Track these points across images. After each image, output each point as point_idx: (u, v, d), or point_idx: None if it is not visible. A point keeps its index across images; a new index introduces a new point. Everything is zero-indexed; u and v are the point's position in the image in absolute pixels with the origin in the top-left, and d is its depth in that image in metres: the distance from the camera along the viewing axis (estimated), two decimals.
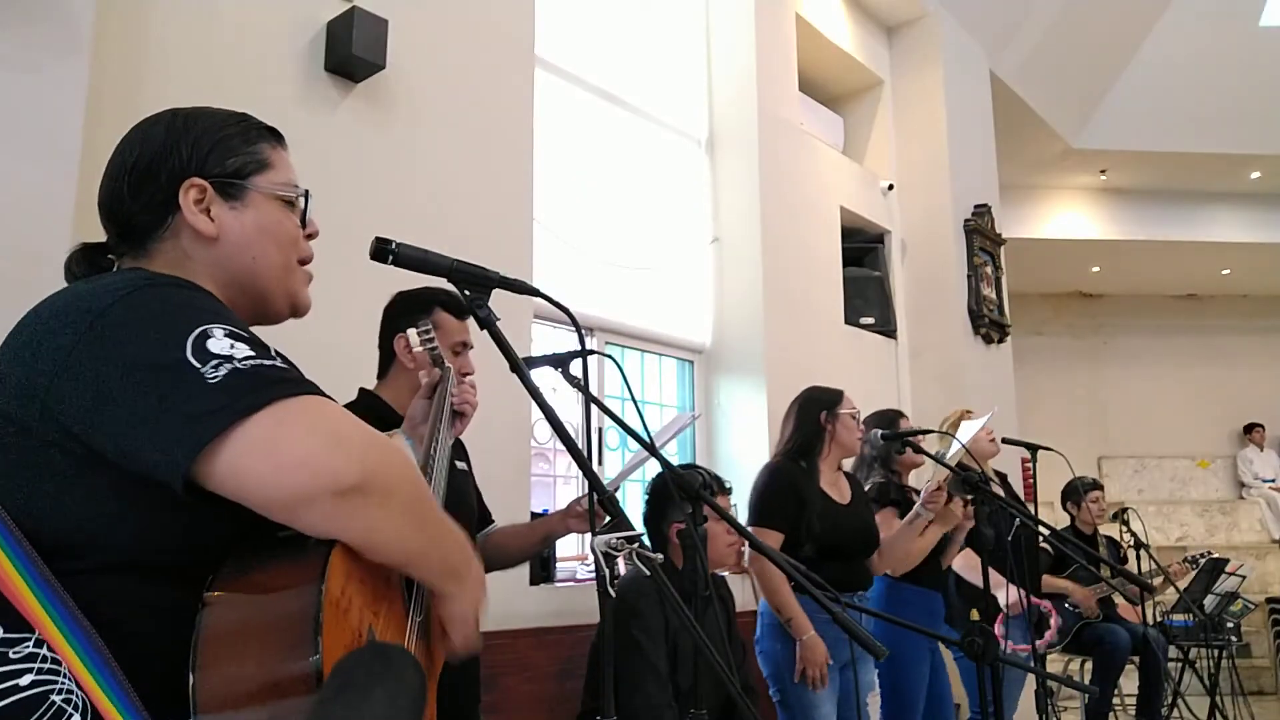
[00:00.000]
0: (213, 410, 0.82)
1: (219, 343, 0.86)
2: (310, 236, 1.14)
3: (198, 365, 0.84)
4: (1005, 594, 3.08)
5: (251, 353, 0.87)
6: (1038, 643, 3.18)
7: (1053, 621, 3.30)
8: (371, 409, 2.00)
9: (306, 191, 1.12)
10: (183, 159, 1.03)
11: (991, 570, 3.32)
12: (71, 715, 0.81)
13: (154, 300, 0.90)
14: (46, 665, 0.81)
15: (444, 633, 1.07)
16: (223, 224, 1.03)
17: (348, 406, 1.97)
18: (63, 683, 0.81)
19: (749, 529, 2.81)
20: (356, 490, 0.84)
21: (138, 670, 0.82)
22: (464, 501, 2.12)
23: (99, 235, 1.09)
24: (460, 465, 2.17)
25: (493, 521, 2.35)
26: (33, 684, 0.81)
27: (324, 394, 0.90)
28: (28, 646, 0.82)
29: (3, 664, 0.81)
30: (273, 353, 0.90)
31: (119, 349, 0.85)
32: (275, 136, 1.13)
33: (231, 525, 0.88)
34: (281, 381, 0.86)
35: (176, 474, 0.82)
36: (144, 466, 0.84)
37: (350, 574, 0.89)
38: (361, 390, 2.09)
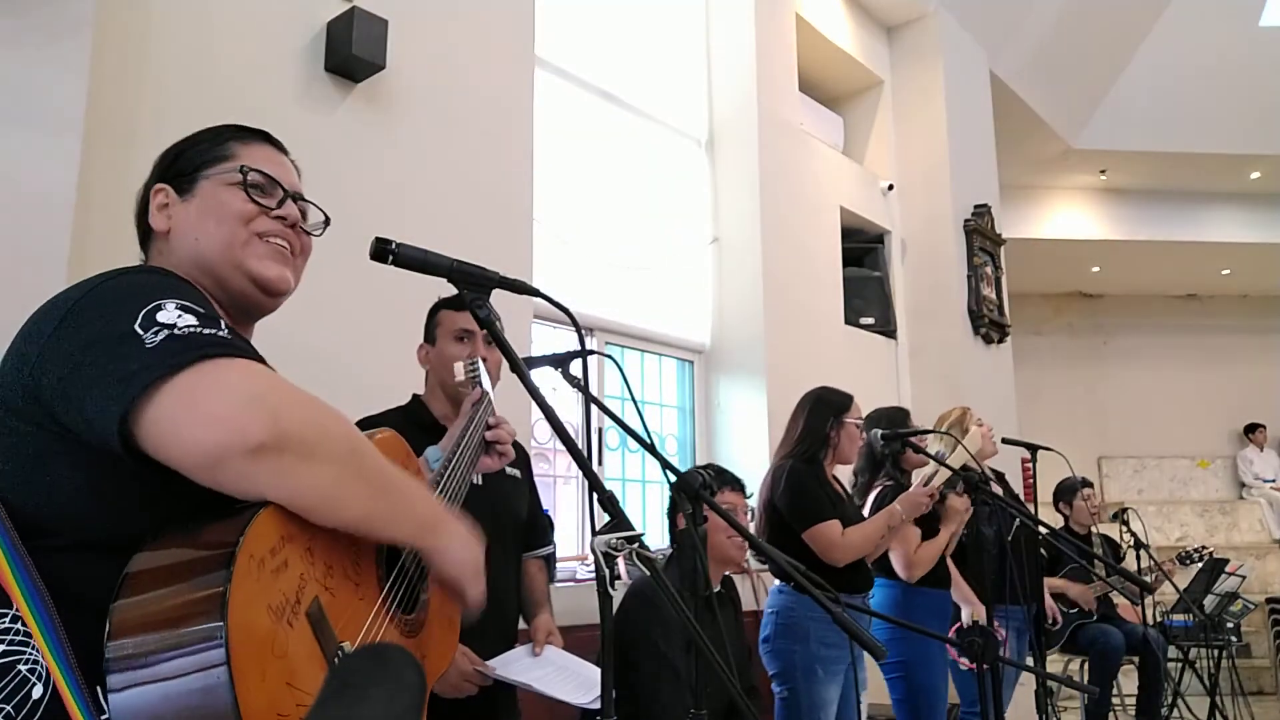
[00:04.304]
0: (141, 369, 0.84)
1: (167, 314, 0.90)
2: (281, 219, 1.15)
3: (141, 333, 0.87)
4: (967, 611, 3.08)
5: (195, 321, 0.90)
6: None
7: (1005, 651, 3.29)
8: (413, 413, 2.07)
9: (243, 168, 1.13)
10: (157, 172, 1.15)
11: (958, 585, 3.32)
12: (34, 685, 0.83)
13: (120, 285, 0.95)
14: (18, 638, 0.84)
15: (454, 596, 1.08)
16: (175, 218, 1.12)
17: (396, 409, 2.04)
18: (30, 654, 0.84)
19: (805, 533, 2.83)
20: (270, 448, 0.84)
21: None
22: (507, 506, 2.10)
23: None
24: (512, 471, 2.16)
25: (552, 545, 2.31)
26: (3, 654, 0.84)
27: (261, 360, 0.93)
28: (5, 621, 0.85)
29: None
30: (223, 325, 0.93)
31: (83, 329, 0.90)
32: (250, 134, 1.17)
33: (193, 502, 0.89)
34: (213, 344, 0.88)
35: (111, 431, 0.84)
36: (93, 432, 0.87)
37: (290, 538, 0.89)
38: (413, 395, 2.14)
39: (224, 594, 0.79)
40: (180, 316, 0.90)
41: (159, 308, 0.90)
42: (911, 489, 3.02)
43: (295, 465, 0.87)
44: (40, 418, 0.90)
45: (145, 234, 1.15)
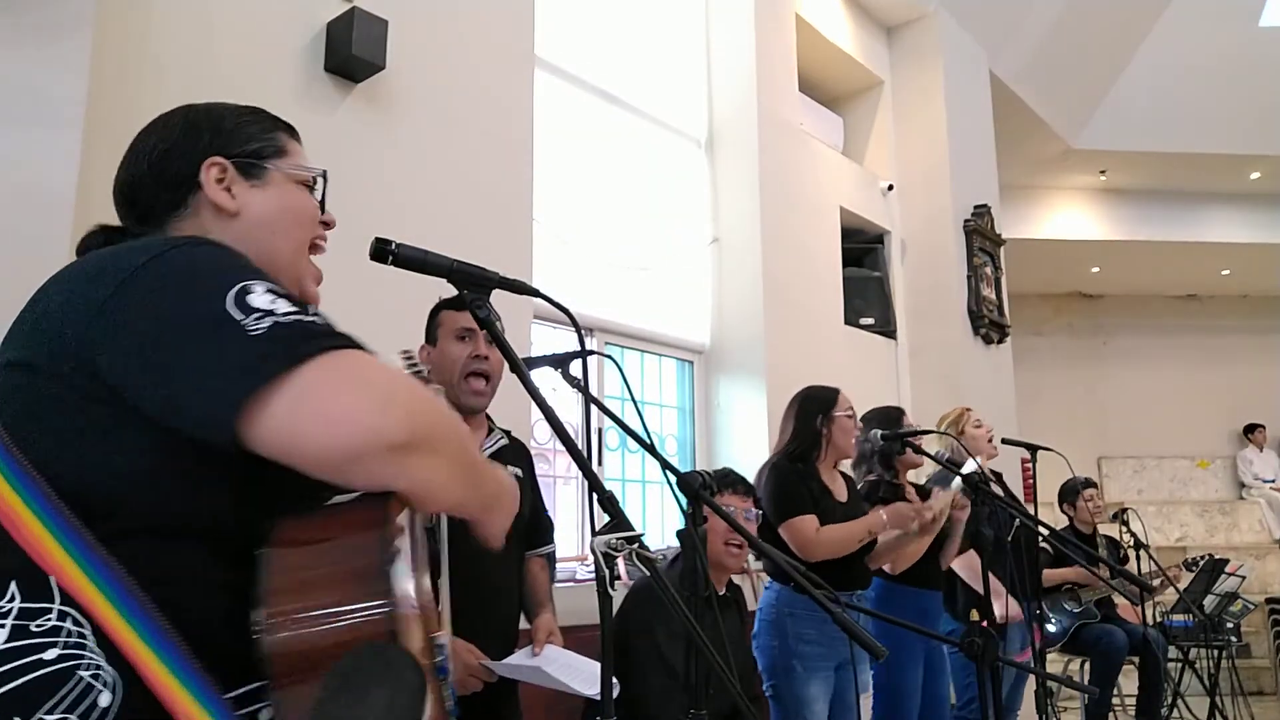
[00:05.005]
0: (258, 360, 0.79)
1: (260, 298, 0.84)
2: (326, 225, 1.14)
3: (240, 317, 0.81)
4: (1003, 605, 3.07)
5: (294, 308, 0.85)
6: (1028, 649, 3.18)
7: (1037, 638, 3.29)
8: None
9: (325, 173, 1.12)
10: (204, 141, 1.05)
11: (992, 579, 3.33)
12: (100, 692, 0.77)
13: (191, 257, 0.88)
14: (73, 640, 0.78)
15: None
16: (244, 201, 1.04)
17: None
18: (91, 658, 0.78)
19: (780, 526, 2.84)
20: (407, 445, 0.82)
21: None
22: None
23: (100, 217, 1.10)
24: (514, 470, 2.16)
25: (552, 544, 2.32)
26: (59, 658, 0.77)
27: (369, 350, 0.89)
28: (50, 619, 0.78)
29: (24, 637, 0.78)
30: (313, 312, 0.88)
31: (158, 302, 0.84)
32: (290, 129, 1.14)
33: (264, 489, 0.86)
34: (327, 334, 0.84)
35: (224, 427, 0.78)
36: (187, 421, 0.81)
37: (401, 528, 0.89)
38: None
39: (390, 588, 0.79)
40: (275, 302, 0.84)
41: (248, 290, 0.84)
42: (906, 504, 3.01)
43: (422, 459, 0.85)
44: (93, 390, 0.83)
45: (173, 199, 1.03)
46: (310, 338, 0.82)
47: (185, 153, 1.04)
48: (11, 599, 0.79)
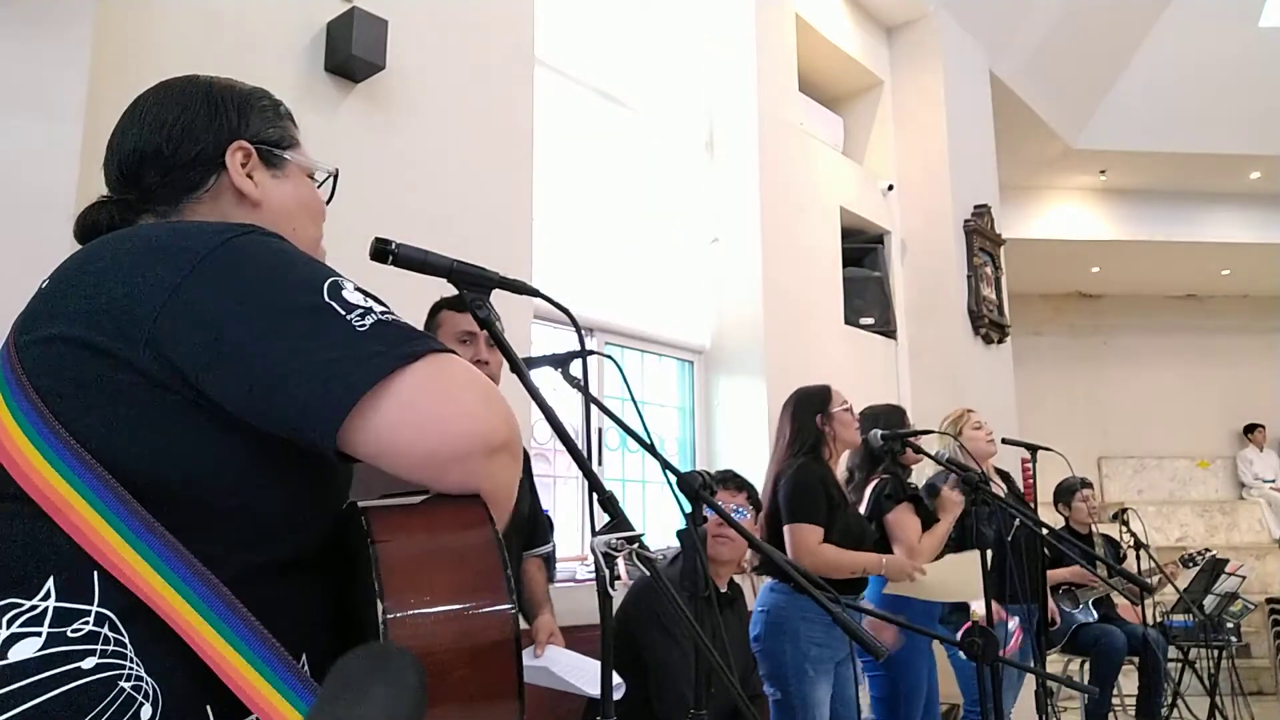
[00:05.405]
0: (368, 358, 0.77)
1: (354, 294, 0.82)
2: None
3: (342, 312, 0.79)
4: (984, 606, 3.09)
5: (385, 307, 0.83)
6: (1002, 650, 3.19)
7: (1014, 641, 3.30)
8: None
9: (337, 171, 1.11)
10: (231, 121, 0.99)
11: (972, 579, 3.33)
12: (142, 705, 0.73)
13: (269, 247, 0.85)
14: (110, 648, 0.73)
15: None
16: (265, 190, 1.00)
17: None
18: (131, 668, 0.73)
19: (786, 525, 2.84)
20: (504, 447, 0.82)
21: None
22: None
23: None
24: None
25: (552, 543, 2.32)
26: (98, 668, 0.72)
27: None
28: (87, 623, 0.73)
29: (60, 644, 0.72)
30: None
31: (244, 290, 0.79)
32: (292, 118, 1.12)
33: (322, 486, 0.84)
34: (425, 336, 0.83)
35: (328, 423, 0.75)
36: (282, 415, 0.77)
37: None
38: None
39: (512, 588, 0.80)
40: (366, 300, 0.82)
41: (340, 285, 0.82)
42: (908, 563, 3.01)
43: (507, 461, 0.84)
44: (164, 377, 0.78)
45: (190, 178, 0.96)
46: (413, 338, 0.81)
47: (211, 131, 0.98)
48: (46, 596, 0.74)
